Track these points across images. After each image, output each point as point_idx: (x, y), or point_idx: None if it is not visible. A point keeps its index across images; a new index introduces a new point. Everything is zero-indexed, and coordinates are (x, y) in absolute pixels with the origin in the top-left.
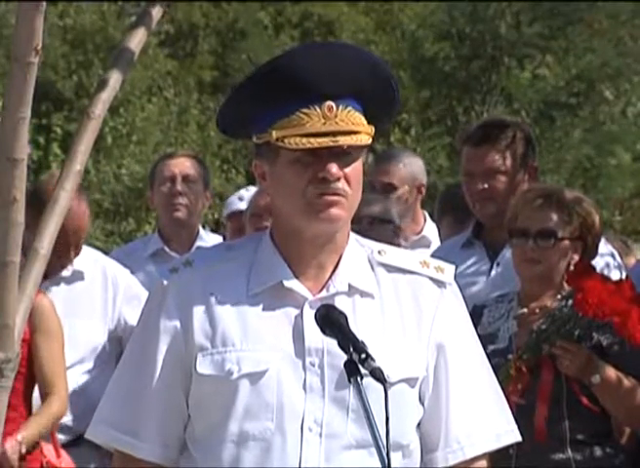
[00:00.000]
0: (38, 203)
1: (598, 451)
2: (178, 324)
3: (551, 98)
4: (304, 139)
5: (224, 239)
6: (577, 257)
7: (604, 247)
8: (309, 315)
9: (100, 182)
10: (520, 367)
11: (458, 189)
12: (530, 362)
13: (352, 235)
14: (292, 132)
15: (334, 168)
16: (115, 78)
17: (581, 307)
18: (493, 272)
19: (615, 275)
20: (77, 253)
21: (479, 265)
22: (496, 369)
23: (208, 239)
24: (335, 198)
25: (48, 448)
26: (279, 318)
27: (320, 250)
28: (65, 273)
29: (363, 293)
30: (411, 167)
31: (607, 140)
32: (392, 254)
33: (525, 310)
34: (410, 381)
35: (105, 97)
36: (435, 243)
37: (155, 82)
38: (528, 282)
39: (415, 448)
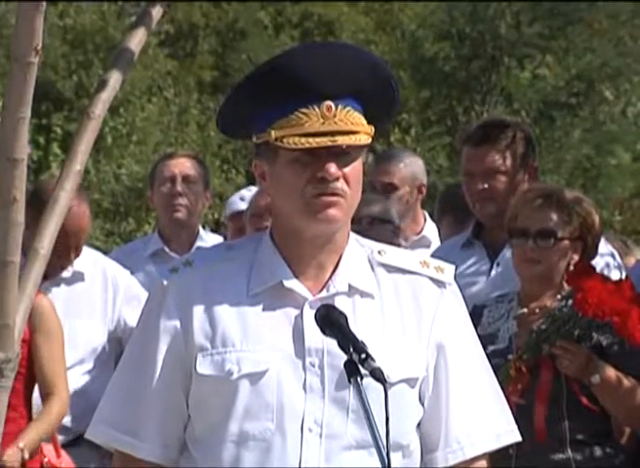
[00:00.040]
0: (38, 203)
1: (598, 451)
2: (178, 324)
3: (551, 98)
4: (303, 139)
5: (225, 239)
6: (576, 257)
7: (604, 247)
8: (309, 315)
9: (99, 182)
10: (520, 367)
11: (458, 189)
12: (530, 362)
13: (352, 235)
14: (290, 131)
15: (332, 167)
16: (115, 78)
17: (581, 307)
18: (493, 272)
19: (615, 275)
20: (77, 255)
21: (479, 265)
22: (496, 369)
23: (208, 239)
24: (333, 199)
25: (48, 449)
26: (279, 318)
27: (320, 250)
28: (66, 274)
29: (363, 294)
30: (411, 167)
31: (607, 140)
32: (392, 255)
33: (525, 310)
34: (410, 381)
35: (105, 97)
36: (435, 243)
37: (155, 82)
38: (528, 282)
39: (415, 448)
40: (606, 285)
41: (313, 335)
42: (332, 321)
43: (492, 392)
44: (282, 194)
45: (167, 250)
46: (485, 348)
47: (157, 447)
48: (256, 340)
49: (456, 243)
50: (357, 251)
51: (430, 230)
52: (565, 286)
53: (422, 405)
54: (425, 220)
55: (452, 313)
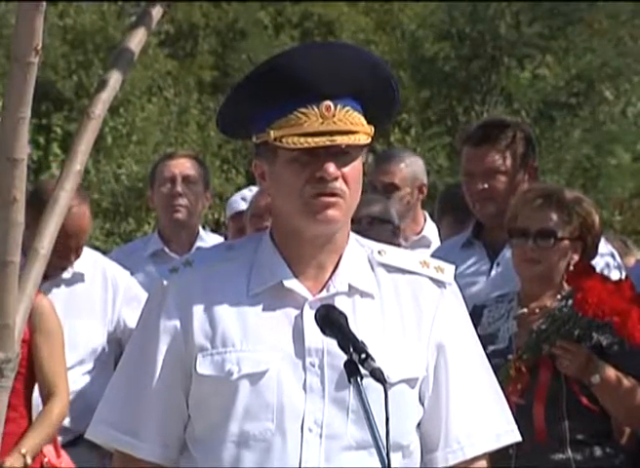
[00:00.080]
0: (38, 203)
1: (598, 451)
2: (178, 324)
3: (551, 98)
4: (302, 139)
5: (226, 239)
6: (576, 257)
7: (604, 247)
8: (309, 315)
9: (99, 182)
10: (520, 367)
11: (458, 189)
12: (530, 362)
13: (352, 235)
14: (289, 131)
15: (331, 167)
16: (115, 78)
17: (581, 307)
18: (493, 272)
19: (615, 275)
20: (78, 256)
21: (479, 265)
22: (496, 369)
23: (208, 239)
24: (332, 199)
25: (48, 449)
26: (279, 318)
27: (319, 250)
28: (66, 275)
29: (363, 294)
30: (412, 167)
31: (607, 140)
32: (392, 255)
33: (525, 310)
34: (410, 382)
35: (105, 97)
36: (435, 243)
37: (155, 82)
38: (528, 282)
39: (415, 448)
40: (606, 285)
41: (313, 335)
42: (332, 321)
43: (492, 392)
44: (281, 194)
45: (167, 250)
46: (485, 348)
47: (157, 447)
48: (256, 340)
49: (456, 243)
50: (357, 251)
51: (430, 230)
52: (565, 286)
53: (422, 405)
54: (425, 220)
55: (452, 313)
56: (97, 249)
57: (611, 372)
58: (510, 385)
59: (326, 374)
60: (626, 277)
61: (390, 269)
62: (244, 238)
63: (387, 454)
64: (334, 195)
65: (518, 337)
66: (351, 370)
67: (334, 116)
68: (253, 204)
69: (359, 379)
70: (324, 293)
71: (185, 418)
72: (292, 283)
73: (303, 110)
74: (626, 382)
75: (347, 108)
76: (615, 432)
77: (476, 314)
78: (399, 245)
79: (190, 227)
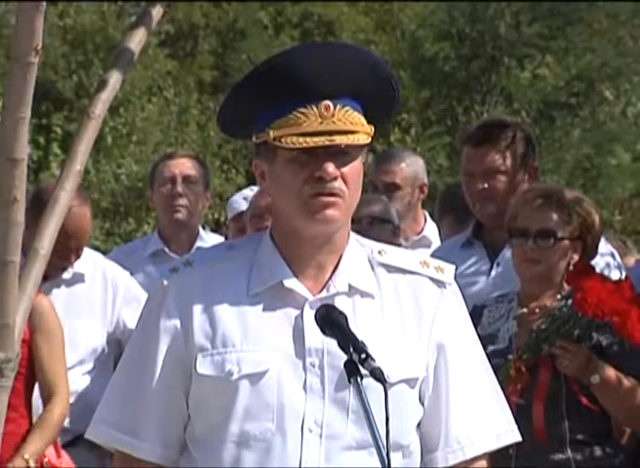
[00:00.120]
0: (39, 204)
1: (598, 451)
2: (178, 324)
3: (551, 98)
4: (301, 139)
5: (227, 239)
6: (576, 257)
7: (604, 247)
8: (309, 315)
9: (99, 182)
10: (520, 367)
11: (458, 189)
12: (529, 362)
13: (352, 235)
14: (289, 131)
15: (330, 167)
16: (115, 78)
17: (581, 307)
18: (493, 272)
19: (615, 275)
20: (78, 256)
21: (479, 265)
22: (496, 369)
23: (208, 239)
24: (331, 199)
25: (48, 449)
26: (279, 318)
27: (319, 250)
28: (66, 275)
29: (363, 294)
30: (413, 166)
31: (607, 140)
32: (392, 254)
33: (525, 310)
34: (410, 382)
35: (105, 98)
36: (436, 243)
37: (155, 82)
38: (528, 282)
39: (415, 448)
40: (605, 285)
41: (313, 336)
42: (332, 321)
43: (492, 392)
44: (281, 194)
45: (167, 250)
46: (485, 348)
47: (157, 447)
48: (256, 340)
49: (456, 243)
50: (357, 251)
51: (431, 230)
52: (565, 286)
53: (422, 405)
54: (426, 220)
55: (452, 313)
56: (97, 249)
57: (611, 372)
58: (510, 385)
59: (326, 375)
60: (626, 277)
61: (390, 269)
62: (244, 238)
63: (387, 454)
64: (333, 195)
65: (518, 337)
66: (351, 370)
67: (333, 116)
68: (253, 204)
69: (359, 379)
70: (324, 293)
71: (185, 418)
72: (292, 283)
73: (303, 110)
74: (626, 382)
75: (347, 108)
76: (615, 432)
77: (476, 314)
78: (399, 245)
79: (190, 227)
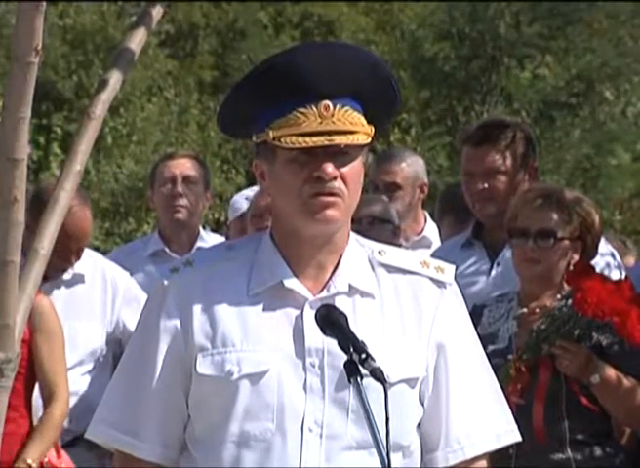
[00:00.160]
0: (39, 204)
1: (598, 451)
2: (178, 324)
3: (551, 98)
4: (300, 139)
5: (228, 240)
6: (576, 257)
7: (604, 247)
8: (310, 315)
9: (99, 182)
10: (520, 367)
11: (458, 189)
12: (529, 362)
13: (352, 235)
14: (288, 131)
15: (329, 167)
16: (115, 78)
17: (581, 307)
18: (493, 272)
19: (615, 275)
20: (79, 258)
21: (479, 265)
22: (496, 369)
23: (208, 239)
24: (330, 199)
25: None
26: (279, 318)
27: (319, 250)
28: (66, 276)
29: (363, 294)
30: (414, 166)
31: (606, 140)
32: (393, 255)
33: (525, 310)
34: (410, 382)
35: (105, 98)
36: (436, 243)
37: (155, 82)
38: (528, 282)
39: (415, 448)
40: (605, 285)
41: (313, 336)
42: (332, 321)
43: (492, 392)
44: (281, 194)
45: (167, 250)
46: (485, 348)
47: (157, 447)
48: (256, 340)
49: (456, 243)
50: (357, 251)
51: (431, 230)
52: (565, 286)
53: (423, 405)
54: (426, 221)
55: (452, 313)
56: (96, 249)
57: (611, 372)
58: (510, 385)
59: (326, 375)
60: (626, 277)
61: (391, 269)
62: (244, 238)
63: (387, 454)
64: (332, 195)
65: (518, 337)
66: (351, 370)
67: (332, 116)
68: (253, 204)
69: (359, 379)
70: (324, 293)
71: (185, 418)
72: (292, 282)
73: (302, 110)
74: (626, 382)
75: (347, 108)
76: (615, 432)
77: (476, 314)
78: (399, 245)
79: (191, 227)
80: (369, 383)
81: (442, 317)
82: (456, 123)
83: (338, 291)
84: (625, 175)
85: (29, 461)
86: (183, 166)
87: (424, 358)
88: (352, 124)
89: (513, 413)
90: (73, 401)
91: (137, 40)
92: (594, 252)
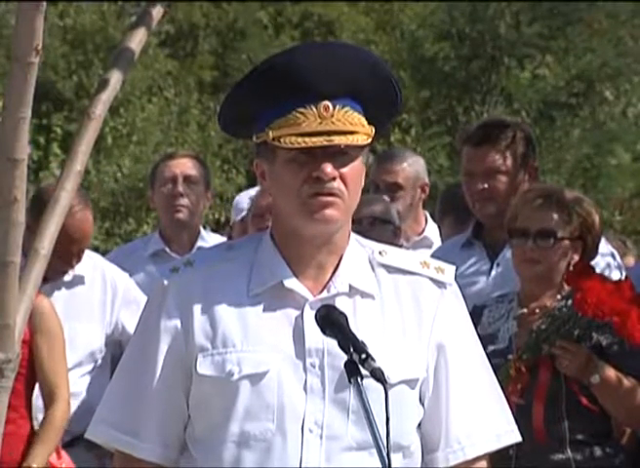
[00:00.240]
0: (40, 206)
1: (598, 451)
2: (178, 324)
3: (551, 98)
4: (300, 139)
5: (230, 240)
6: (577, 257)
7: (605, 247)
8: (310, 316)
9: (100, 182)
10: (520, 367)
11: (458, 189)
12: (529, 362)
13: (353, 235)
14: (288, 131)
15: (328, 167)
16: (115, 78)
17: (581, 307)
18: (493, 272)
19: (615, 275)
20: (79, 260)
21: (479, 265)
22: (496, 369)
23: (209, 239)
24: (329, 199)
25: None
26: (279, 319)
27: (319, 250)
28: (67, 277)
29: (364, 294)
30: (415, 166)
31: (606, 139)
32: (393, 255)
33: (525, 310)
34: (410, 382)
35: (106, 98)
36: (437, 244)
37: (155, 82)
38: (528, 282)
39: (415, 448)
40: (605, 285)
41: (314, 336)
42: (332, 321)
43: (492, 392)
44: (281, 194)
45: (168, 250)
46: (485, 348)
47: (157, 447)
48: (256, 341)
49: (456, 243)
50: (358, 251)
51: (432, 231)
52: (565, 286)
53: (423, 405)
54: (427, 221)
55: (452, 313)
56: (96, 249)
57: (611, 372)
58: (510, 385)
59: (326, 375)
60: (626, 277)
61: (391, 270)
62: (244, 238)
63: (388, 455)
64: (331, 195)
65: (518, 337)
66: (351, 370)
67: (332, 116)
68: (254, 204)
69: (359, 379)
70: (324, 294)
71: (186, 418)
72: (292, 283)
73: (302, 110)
74: (626, 382)
75: (347, 109)
76: (615, 432)
77: (476, 314)
78: (400, 245)
79: (192, 227)
80: (369, 384)
81: (442, 317)
82: (456, 123)
83: (338, 291)
84: (625, 175)
85: (34, 466)
86: (184, 166)
87: (425, 358)
88: (352, 124)
89: (513, 413)
90: (72, 402)
91: (137, 40)
92: (594, 252)
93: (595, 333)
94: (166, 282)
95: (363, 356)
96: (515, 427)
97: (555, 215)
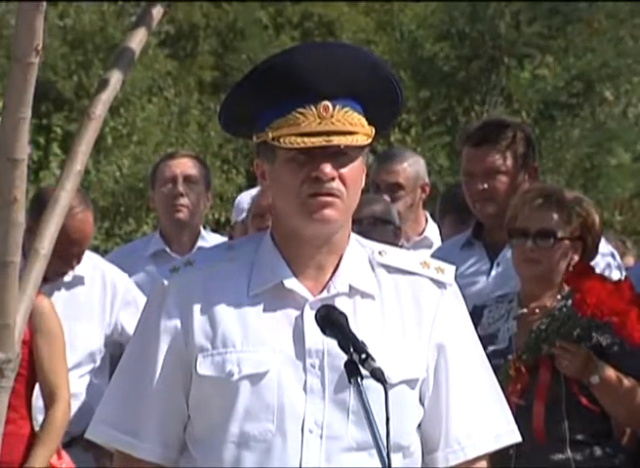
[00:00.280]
0: (41, 206)
1: (598, 451)
2: (178, 324)
3: (551, 98)
4: (299, 139)
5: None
6: (577, 257)
7: (605, 247)
8: (310, 316)
9: (100, 182)
10: (519, 367)
11: (458, 189)
12: (529, 362)
13: (353, 236)
14: (287, 131)
15: (327, 168)
16: (115, 78)
17: (580, 307)
18: (493, 272)
19: (615, 275)
20: (79, 261)
21: (479, 265)
22: (496, 369)
23: (210, 239)
24: (328, 199)
25: None
26: (279, 319)
27: (319, 250)
28: (66, 278)
29: (364, 294)
30: (415, 166)
31: (606, 139)
32: (393, 255)
33: (525, 310)
34: (410, 383)
35: (106, 98)
36: (437, 244)
37: (155, 82)
38: (528, 282)
39: (415, 449)
40: (605, 285)
41: (314, 337)
42: (332, 321)
43: (492, 392)
44: (280, 194)
45: (168, 250)
46: (485, 348)
47: (157, 447)
48: (256, 341)
49: (456, 243)
50: (358, 251)
51: (432, 231)
52: (565, 286)
53: (423, 405)
54: (427, 221)
55: (452, 314)
56: (96, 248)
57: (610, 373)
58: (510, 385)
59: (326, 376)
60: (626, 277)
61: (391, 270)
62: (244, 238)
63: (388, 455)
64: (330, 195)
65: (518, 338)
66: (351, 370)
67: (332, 116)
68: (254, 204)
69: (359, 380)
70: (324, 294)
71: (185, 419)
72: (292, 283)
73: (301, 110)
74: (626, 382)
75: (347, 109)
76: (615, 432)
77: (476, 314)
78: (400, 246)
79: (192, 227)
80: (369, 384)
81: (442, 317)
82: (456, 123)
83: (338, 291)
84: (625, 176)
85: None
86: (184, 165)
87: (425, 358)
88: (352, 125)
89: (513, 414)
90: (71, 402)
91: (137, 40)
92: (594, 252)
93: (595, 334)
94: (166, 282)
95: (363, 356)
96: (515, 427)
97: (555, 215)
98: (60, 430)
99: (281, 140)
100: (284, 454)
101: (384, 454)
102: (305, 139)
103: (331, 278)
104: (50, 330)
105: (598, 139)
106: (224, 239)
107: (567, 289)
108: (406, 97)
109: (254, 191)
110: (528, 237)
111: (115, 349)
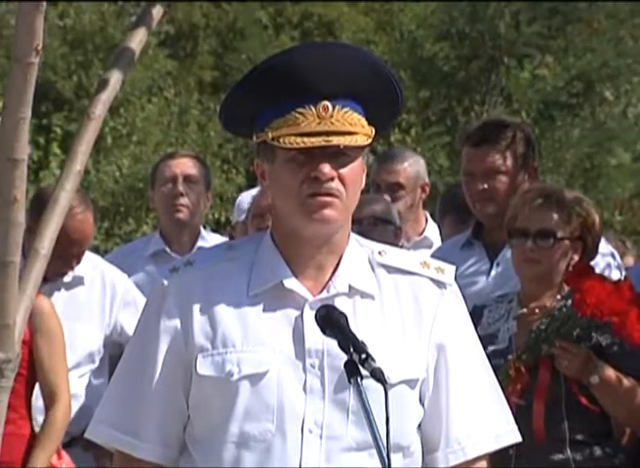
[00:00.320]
0: (41, 207)
1: (598, 451)
2: (178, 324)
3: (551, 98)
4: (298, 139)
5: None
6: (576, 257)
7: (605, 247)
8: (310, 316)
9: (99, 182)
10: (519, 367)
11: (458, 189)
12: (529, 362)
13: (353, 236)
14: (287, 131)
15: (326, 168)
16: (115, 78)
17: (580, 307)
18: (492, 272)
19: (615, 275)
20: (79, 262)
21: (479, 265)
22: (496, 369)
23: (210, 239)
24: (328, 199)
25: None
26: (279, 319)
27: (319, 250)
28: (66, 278)
29: (363, 294)
30: (415, 166)
31: (606, 139)
32: (393, 255)
33: (525, 310)
34: (410, 383)
35: (105, 98)
36: (437, 244)
37: (155, 82)
38: (528, 282)
39: (415, 449)
40: (605, 285)
41: (313, 337)
42: (332, 321)
43: (492, 392)
44: (280, 194)
45: (168, 250)
46: (485, 348)
47: (157, 447)
48: (256, 341)
49: (456, 243)
50: (358, 251)
51: (432, 231)
52: (565, 286)
53: (423, 405)
54: (427, 221)
55: (452, 314)
56: (96, 248)
57: (610, 373)
58: (510, 385)
59: (326, 376)
60: (626, 277)
61: (391, 270)
62: (245, 238)
63: (388, 455)
64: (329, 195)
65: (518, 338)
66: (351, 370)
67: (331, 117)
68: (254, 204)
69: (359, 380)
70: (324, 294)
71: (185, 419)
72: (292, 283)
73: (301, 110)
74: (626, 382)
75: (346, 109)
76: (615, 432)
77: (476, 314)
78: (400, 246)
79: (192, 227)
80: (369, 384)
81: (442, 317)
82: (455, 123)
83: (338, 291)
84: (625, 176)
85: None
86: (184, 165)
87: (425, 359)
88: (351, 125)
89: (513, 414)
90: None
91: (137, 40)
92: (594, 252)
93: (595, 334)
94: (166, 282)
95: (363, 356)
96: (515, 427)
97: (555, 215)
98: (61, 431)
99: (281, 140)
100: (284, 454)
101: (384, 454)
102: (305, 139)
103: (331, 278)
104: (50, 330)
105: (598, 139)
106: (224, 239)
107: (567, 289)
108: (406, 97)
109: (254, 191)
110: (528, 237)
111: (115, 349)
